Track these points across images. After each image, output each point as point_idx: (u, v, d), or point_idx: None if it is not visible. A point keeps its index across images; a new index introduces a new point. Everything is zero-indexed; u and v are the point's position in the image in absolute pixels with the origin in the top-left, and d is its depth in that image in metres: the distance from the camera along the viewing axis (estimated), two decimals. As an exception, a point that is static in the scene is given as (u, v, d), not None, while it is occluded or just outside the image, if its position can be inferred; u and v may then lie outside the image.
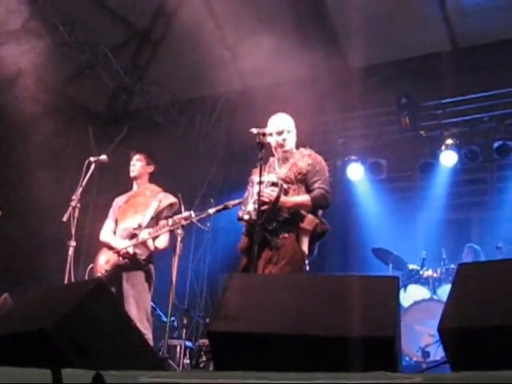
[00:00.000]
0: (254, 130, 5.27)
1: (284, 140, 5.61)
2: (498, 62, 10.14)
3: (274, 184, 5.28)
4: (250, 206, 5.27)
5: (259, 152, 5.23)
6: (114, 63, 10.86)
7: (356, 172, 10.99)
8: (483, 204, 10.79)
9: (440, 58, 10.58)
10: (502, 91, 10.15)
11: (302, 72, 10.83)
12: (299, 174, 5.46)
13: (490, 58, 10.24)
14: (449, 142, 10.33)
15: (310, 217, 5.33)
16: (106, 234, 6.66)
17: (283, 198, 5.26)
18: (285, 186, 5.31)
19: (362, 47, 10.04)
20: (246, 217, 5.28)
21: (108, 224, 6.75)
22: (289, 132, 5.65)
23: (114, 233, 6.61)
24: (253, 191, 5.37)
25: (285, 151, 5.64)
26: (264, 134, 5.28)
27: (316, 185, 5.42)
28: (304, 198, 5.37)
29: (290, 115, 5.81)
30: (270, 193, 5.19)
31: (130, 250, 6.27)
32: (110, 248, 6.44)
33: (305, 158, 5.55)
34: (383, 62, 11.10)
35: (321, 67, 10.71)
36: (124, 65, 11.22)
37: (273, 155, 5.75)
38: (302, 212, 5.33)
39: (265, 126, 5.57)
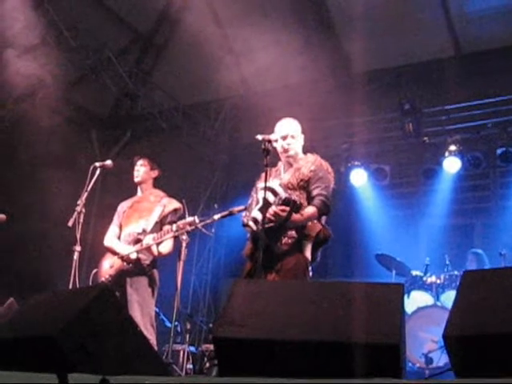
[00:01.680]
0: (259, 137, 5.24)
1: (288, 145, 5.57)
2: (502, 68, 10.14)
3: (284, 202, 5.16)
4: (255, 213, 5.25)
5: (264, 158, 5.21)
6: (118, 68, 10.89)
7: (359, 178, 10.99)
8: (486, 210, 10.79)
9: (443, 63, 10.60)
10: (505, 97, 10.16)
11: (305, 77, 10.86)
12: (301, 180, 5.41)
13: (494, 64, 10.25)
14: (452, 148, 10.34)
15: (312, 223, 5.31)
16: (109, 239, 6.67)
17: (294, 217, 5.18)
18: (297, 201, 5.21)
19: (366, 53, 10.06)
20: (251, 223, 5.27)
21: (112, 229, 6.75)
22: (293, 137, 5.59)
23: (119, 238, 6.61)
24: (257, 197, 5.36)
25: (288, 156, 5.60)
26: (269, 141, 5.25)
27: (316, 191, 5.36)
28: (311, 211, 5.28)
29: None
30: (279, 213, 5.12)
31: (133, 256, 6.27)
32: (114, 253, 6.44)
33: (308, 165, 5.49)
34: (386, 67, 11.12)
35: (324, 73, 10.74)
36: (128, 70, 11.24)
37: (280, 160, 5.74)
38: None
39: (268, 131, 5.57)
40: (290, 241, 5.24)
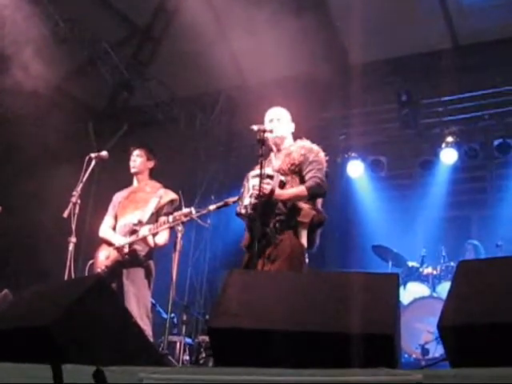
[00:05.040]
0: (255, 127, 5.28)
1: (274, 127, 5.56)
2: (499, 60, 10.15)
3: (269, 176, 5.25)
4: (246, 200, 5.27)
5: (259, 149, 5.23)
6: (115, 59, 10.86)
7: (356, 169, 11.00)
8: (483, 202, 10.80)
9: (441, 55, 10.59)
10: (502, 89, 10.16)
11: (302, 69, 10.84)
12: (292, 164, 5.43)
13: (491, 56, 10.24)
14: (449, 139, 10.35)
15: (306, 209, 5.29)
16: (104, 229, 6.66)
17: (278, 191, 5.23)
18: (282, 177, 5.30)
19: (363, 44, 10.04)
20: (243, 211, 5.28)
21: (107, 220, 6.74)
22: (278, 120, 5.66)
23: (114, 228, 6.60)
24: (248, 185, 5.38)
25: (275, 138, 5.61)
26: (264, 131, 5.28)
27: (310, 174, 5.37)
28: (299, 189, 5.32)
29: (291, 112, 5.82)
30: (264, 186, 5.15)
31: (126, 247, 6.26)
32: (109, 244, 6.44)
33: (298, 149, 5.53)
34: (384, 58, 11.11)
35: (321, 64, 10.71)
36: (124, 61, 11.21)
37: (272, 150, 5.76)
38: (299, 205, 5.30)
39: (264, 122, 5.60)
40: (285, 230, 5.25)
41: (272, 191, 5.18)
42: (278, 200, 5.24)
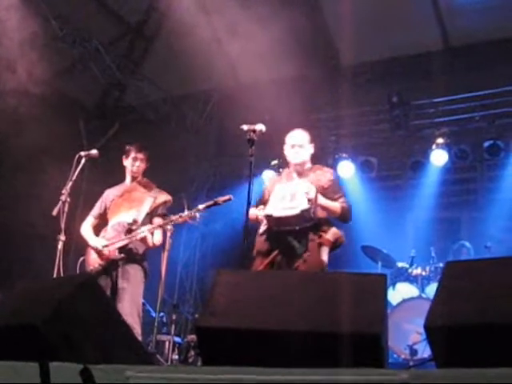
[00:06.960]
0: (245, 127, 5.33)
1: (296, 153, 5.83)
2: (490, 62, 10.16)
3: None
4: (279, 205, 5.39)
5: (249, 148, 5.29)
6: (107, 58, 10.86)
7: (347, 170, 10.98)
8: (473, 203, 10.81)
9: (432, 56, 10.62)
10: (493, 91, 10.18)
11: (294, 69, 10.85)
12: (320, 187, 5.61)
13: (482, 58, 10.26)
14: (439, 141, 10.35)
15: (333, 229, 5.54)
16: (85, 228, 6.66)
17: (320, 199, 5.47)
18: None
19: (354, 45, 10.06)
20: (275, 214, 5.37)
21: (89, 219, 6.73)
22: (301, 147, 5.84)
23: (95, 227, 6.61)
24: (281, 193, 5.50)
25: (296, 164, 5.84)
26: (254, 131, 5.32)
27: (341, 200, 5.67)
28: (334, 203, 5.60)
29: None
30: (308, 192, 5.35)
31: (105, 250, 6.27)
32: (86, 244, 6.43)
33: (327, 174, 5.79)
34: (375, 60, 11.13)
35: (313, 65, 10.73)
36: (116, 60, 11.20)
37: (287, 166, 6.02)
38: (328, 223, 5.53)
39: (256, 122, 5.61)
40: (309, 245, 5.39)
41: (316, 197, 5.39)
42: (313, 203, 5.37)
